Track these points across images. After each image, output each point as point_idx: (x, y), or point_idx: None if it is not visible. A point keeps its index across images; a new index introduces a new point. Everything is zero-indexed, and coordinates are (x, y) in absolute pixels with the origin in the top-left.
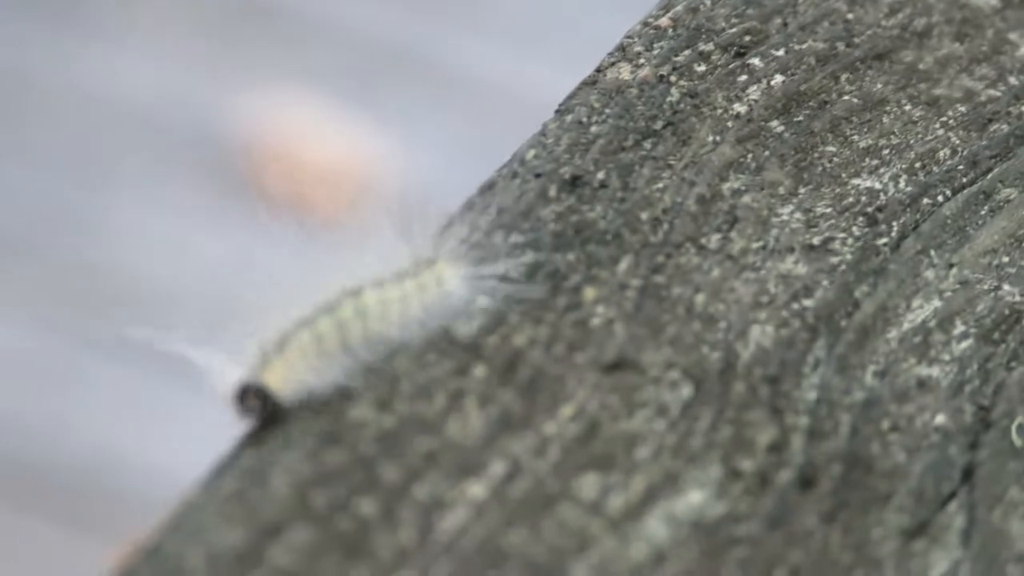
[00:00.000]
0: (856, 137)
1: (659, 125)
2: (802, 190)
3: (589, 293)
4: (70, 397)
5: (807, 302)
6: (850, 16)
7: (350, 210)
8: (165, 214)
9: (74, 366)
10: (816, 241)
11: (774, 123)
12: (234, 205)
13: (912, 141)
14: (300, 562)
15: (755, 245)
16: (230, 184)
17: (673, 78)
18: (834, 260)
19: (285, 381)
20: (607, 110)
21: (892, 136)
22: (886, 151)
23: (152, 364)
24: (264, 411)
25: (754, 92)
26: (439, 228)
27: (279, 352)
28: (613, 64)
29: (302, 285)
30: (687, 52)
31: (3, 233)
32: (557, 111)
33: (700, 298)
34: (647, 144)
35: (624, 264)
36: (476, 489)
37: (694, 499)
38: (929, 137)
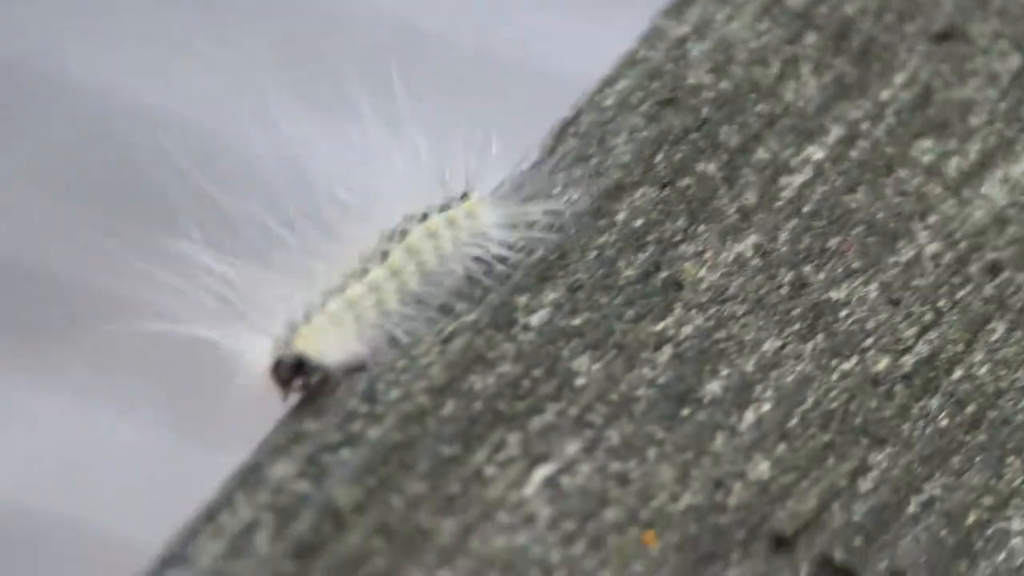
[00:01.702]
0: None
1: None
2: None
3: None
4: None
5: None
6: None
7: None
8: None
9: None
10: None
11: None
12: None
13: None
14: (646, 223)
15: None
16: None
17: None
18: None
19: (323, 346)
20: None
21: None
22: None
23: None
24: (308, 383)
25: None
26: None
27: (308, 320)
28: None
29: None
30: None
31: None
32: None
33: None
34: None
35: None
36: (816, 152)
37: None
38: None
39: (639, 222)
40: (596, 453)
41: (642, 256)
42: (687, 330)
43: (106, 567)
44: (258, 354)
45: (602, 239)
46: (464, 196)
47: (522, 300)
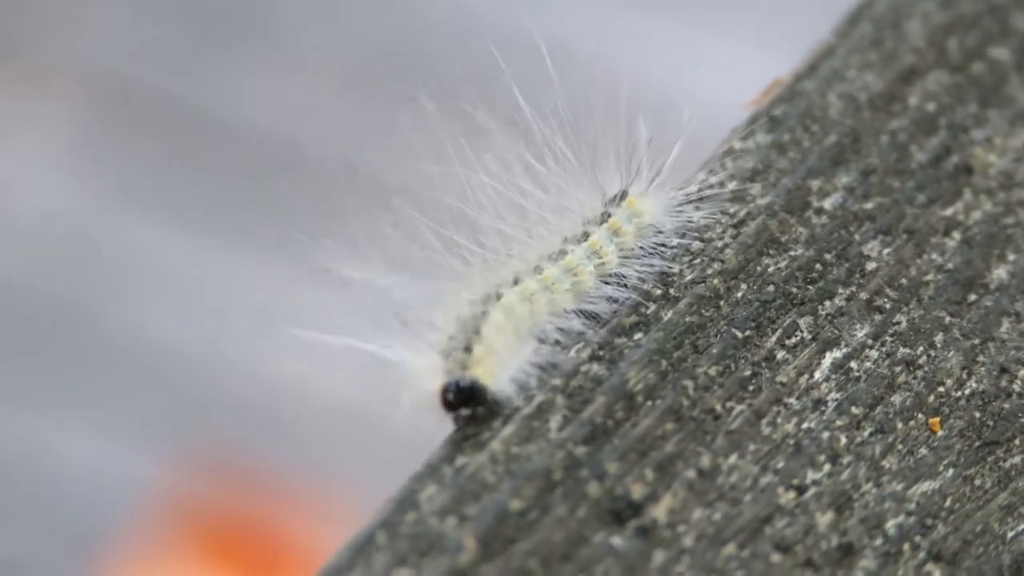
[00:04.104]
0: None
1: None
2: None
3: None
4: None
5: None
6: None
7: None
8: None
9: None
10: None
11: None
12: None
13: None
14: (938, 107)
15: None
16: None
17: None
18: None
19: (496, 370)
20: None
21: None
22: None
23: None
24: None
25: None
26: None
27: (478, 336)
28: None
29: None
30: None
31: None
32: None
33: None
34: None
35: None
36: None
37: None
38: None
39: (931, 106)
40: (884, 338)
41: (933, 140)
42: (976, 215)
43: None
44: (426, 372)
45: (895, 123)
46: (623, 196)
47: (816, 184)
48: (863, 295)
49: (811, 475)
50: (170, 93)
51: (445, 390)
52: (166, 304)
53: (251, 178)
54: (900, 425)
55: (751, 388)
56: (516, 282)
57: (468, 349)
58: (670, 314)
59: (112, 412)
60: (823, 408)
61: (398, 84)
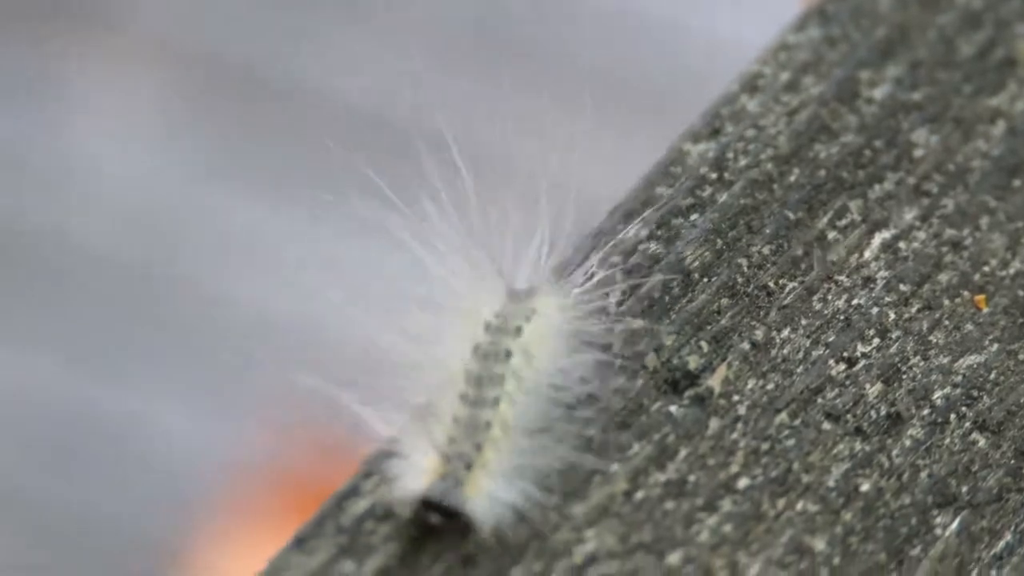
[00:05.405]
0: None
1: None
2: None
3: None
4: None
5: None
6: None
7: None
8: None
9: None
10: None
11: None
12: None
13: None
14: (985, 4)
15: None
16: None
17: None
18: None
19: (486, 498)
20: None
21: None
22: None
23: None
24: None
25: None
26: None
27: (480, 454)
28: None
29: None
30: None
31: None
32: None
33: None
34: None
35: None
36: None
37: None
38: None
39: (977, 2)
40: (932, 220)
41: (979, 35)
42: (1020, 105)
43: None
44: (421, 467)
45: (942, 18)
46: (528, 293)
47: (865, 75)
48: (911, 180)
49: (861, 348)
50: (258, 63)
51: (428, 501)
52: (256, 273)
53: (341, 150)
54: (947, 302)
55: (803, 266)
56: (493, 401)
57: (469, 467)
58: (725, 196)
59: (203, 379)
60: (872, 285)
61: (489, 59)
